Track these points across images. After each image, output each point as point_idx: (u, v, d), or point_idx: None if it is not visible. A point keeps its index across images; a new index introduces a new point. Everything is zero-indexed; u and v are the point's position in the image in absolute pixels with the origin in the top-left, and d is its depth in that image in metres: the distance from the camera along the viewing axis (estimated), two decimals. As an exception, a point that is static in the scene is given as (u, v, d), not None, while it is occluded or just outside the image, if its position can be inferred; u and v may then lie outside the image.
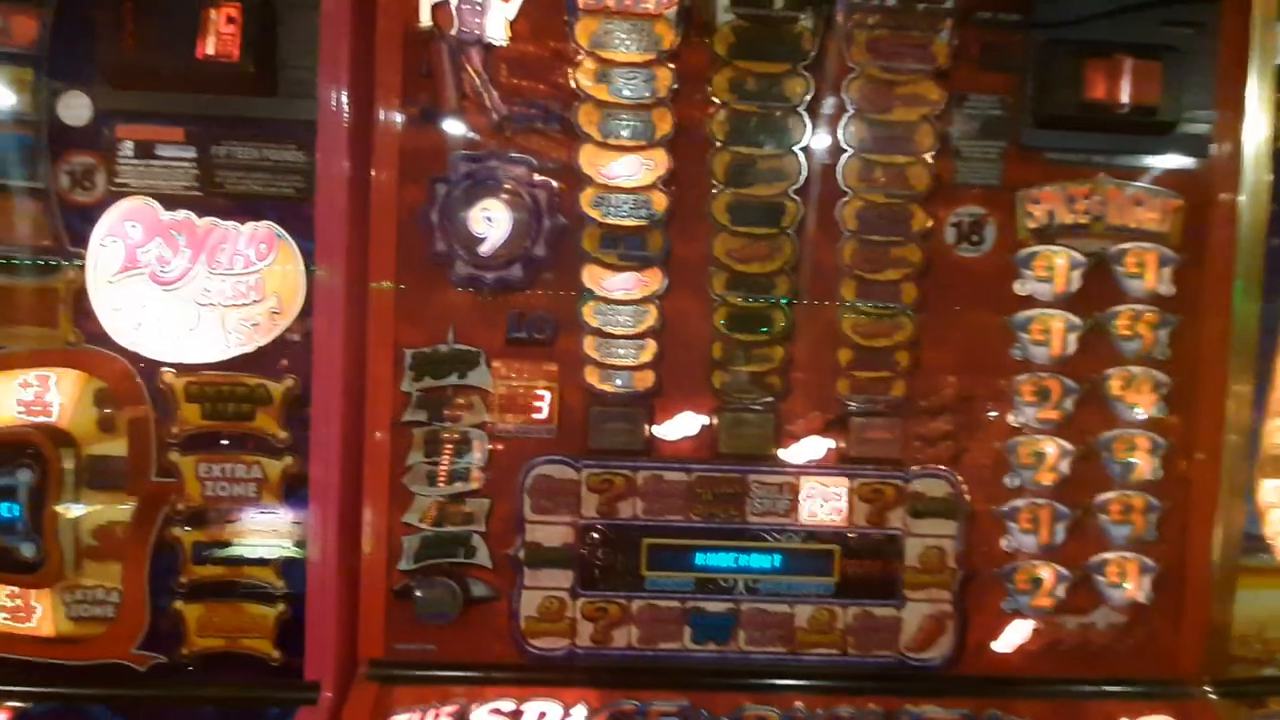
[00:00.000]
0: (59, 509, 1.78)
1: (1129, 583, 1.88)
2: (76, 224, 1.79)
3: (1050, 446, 1.88)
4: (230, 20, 1.75)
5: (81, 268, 1.78)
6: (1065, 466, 1.88)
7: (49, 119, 1.78)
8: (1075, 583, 1.89)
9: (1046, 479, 1.88)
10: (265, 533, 1.81)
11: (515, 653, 1.84)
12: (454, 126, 1.83)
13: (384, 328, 1.83)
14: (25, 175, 1.78)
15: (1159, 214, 1.87)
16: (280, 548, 1.81)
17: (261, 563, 1.81)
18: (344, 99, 1.78)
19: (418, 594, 1.81)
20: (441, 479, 1.82)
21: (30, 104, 1.78)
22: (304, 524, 1.79)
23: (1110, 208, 1.87)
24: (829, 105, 1.84)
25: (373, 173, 1.82)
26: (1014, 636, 1.89)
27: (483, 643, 1.84)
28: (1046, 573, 1.88)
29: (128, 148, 1.79)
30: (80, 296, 1.79)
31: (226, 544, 1.81)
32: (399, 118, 1.82)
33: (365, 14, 1.80)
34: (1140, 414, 1.88)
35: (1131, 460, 1.88)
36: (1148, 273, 1.87)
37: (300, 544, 1.80)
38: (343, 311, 1.79)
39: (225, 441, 1.80)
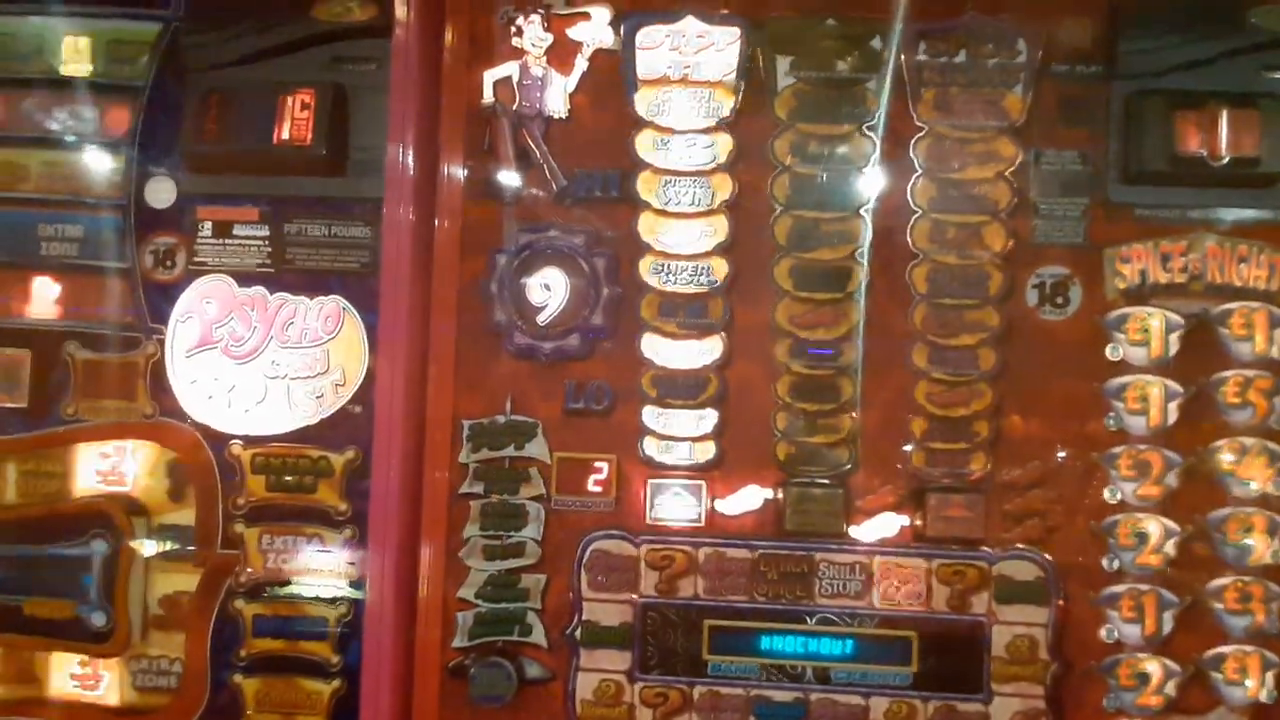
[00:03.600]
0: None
1: (1250, 680, 1.67)
2: (157, 301, 1.86)
3: (1153, 526, 1.71)
4: (304, 106, 1.83)
5: (161, 343, 1.85)
6: (1171, 548, 1.70)
7: (136, 202, 1.88)
8: (1187, 679, 1.69)
9: (1150, 562, 1.70)
10: (323, 606, 1.80)
11: (570, 739, 1.77)
12: (514, 198, 1.84)
13: (443, 399, 1.82)
14: (114, 256, 1.88)
15: (1266, 271, 1.72)
16: (339, 610, 1.80)
17: (319, 637, 1.80)
18: (410, 175, 1.82)
19: (472, 674, 1.76)
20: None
21: (120, 189, 1.88)
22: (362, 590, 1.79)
23: (1210, 265, 1.73)
24: (896, 165, 1.77)
25: (435, 245, 1.84)
26: (1119, 739, 1.70)
27: (536, 727, 1.78)
28: (1154, 667, 1.69)
29: (207, 228, 1.87)
30: (158, 371, 1.85)
31: (285, 616, 1.81)
32: (462, 191, 1.84)
33: (431, 93, 1.85)
34: (1255, 490, 1.69)
35: (1247, 542, 1.69)
36: (1257, 334, 1.71)
37: (358, 614, 1.78)
38: (403, 383, 1.80)
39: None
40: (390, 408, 1.79)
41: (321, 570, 1.81)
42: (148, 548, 1.84)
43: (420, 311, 1.83)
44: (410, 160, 1.81)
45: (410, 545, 1.80)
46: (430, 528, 1.81)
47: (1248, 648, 1.68)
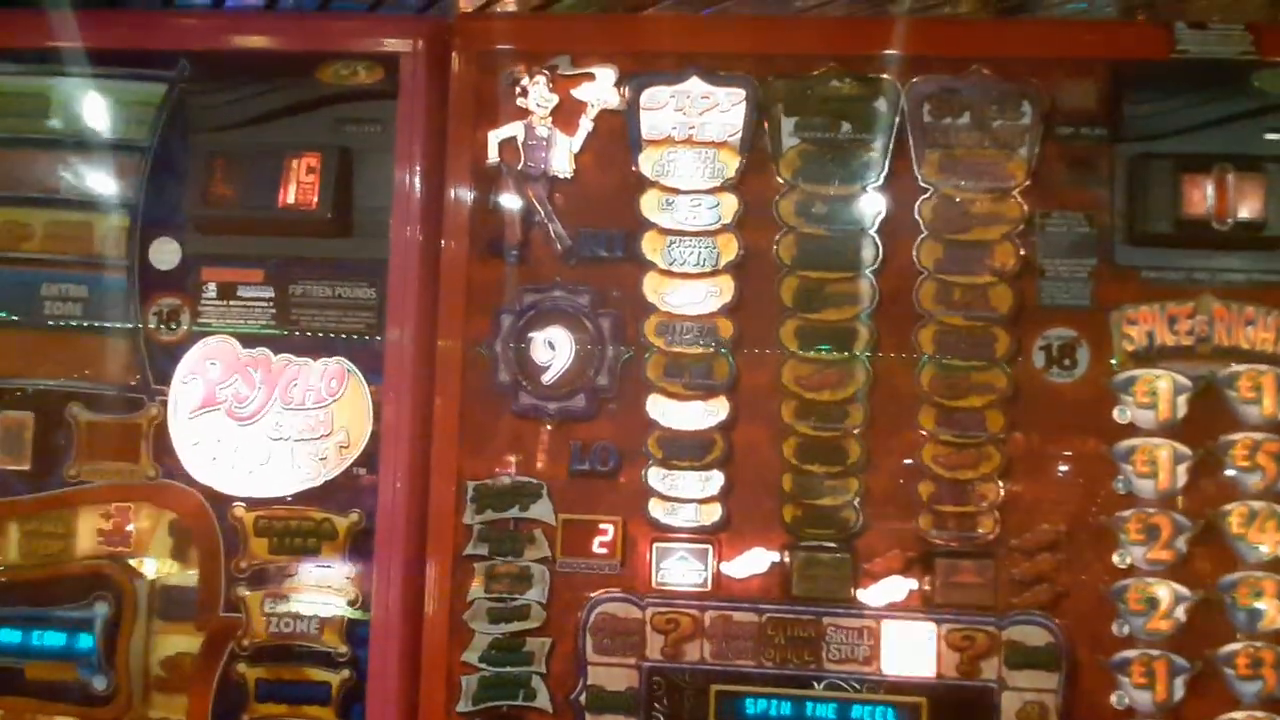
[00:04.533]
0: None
1: (1263, 747, 1.66)
2: (161, 362, 1.86)
3: (1163, 590, 1.69)
4: (310, 170, 1.83)
5: (164, 404, 1.85)
6: (1181, 613, 1.68)
7: (141, 263, 1.87)
8: (1199, 746, 1.68)
9: (1160, 627, 1.69)
10: (326, 670, 1.79)
11: (576, 807, 1.75)
12: (519, 258, 1.83)
13: (447, 459, 1.81)
14: (118, 316, 1.88)
15: (1274, 333, 1.71)
16: (342, 675, 1.78)
17: (322, 702, 1.78)
18: (416, 234, 1.82)
19: (476, 739, 1.74)
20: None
21: (125, 249, 1.88)
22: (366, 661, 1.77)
23: (1218, 328, 1.72)
24: (901, 226, 1.77)
25: (440, 303, 1.83)
26: (1131, 806, 1.69)
27: (541, 795, 1.76)
28: (1165, 734, 1.68)
29: (211, 289, 1.87)
30: (161, 432, 1.84)
31: (289, 681, 1.79)
32: (466, 250, 1.83)
33: (435, 154, 1.85)
34: (1266, 554, 1.68)
35: (1258, 607, 1.67)
36: (1265, 397, 1.70)
37: (361, 678, 1.77)
38: (408, 444, 1.79)
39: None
40: (394, 469, 1.79)
41: (324, 633, 1.79)
42: (149, 610, 1.82)
43: (425, 373, 1.82)
44: (415, 219, 1.82)
45: (414, 608, 1.79)
46: (434, 589, 1.79)
47: (1259, 713, 1.67)
